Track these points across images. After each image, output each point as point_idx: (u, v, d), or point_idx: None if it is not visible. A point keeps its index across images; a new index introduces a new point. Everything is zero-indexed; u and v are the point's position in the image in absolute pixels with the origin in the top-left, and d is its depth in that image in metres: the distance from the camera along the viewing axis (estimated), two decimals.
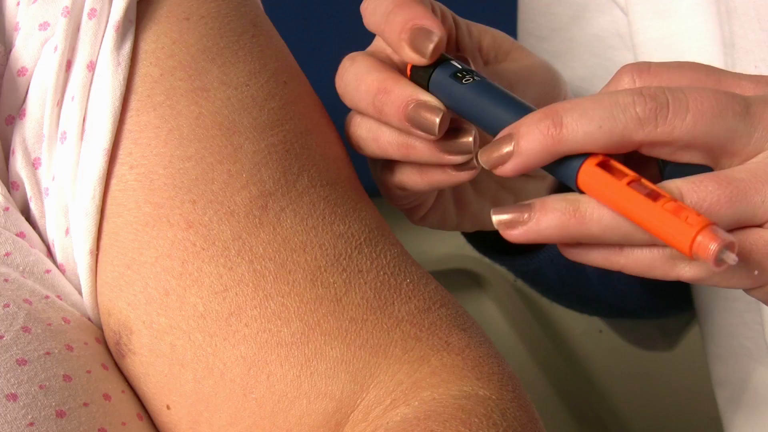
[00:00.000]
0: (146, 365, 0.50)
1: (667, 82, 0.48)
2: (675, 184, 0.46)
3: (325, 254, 0.51)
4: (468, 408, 0.48)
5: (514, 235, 0.47)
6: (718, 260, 0.43)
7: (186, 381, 0.50)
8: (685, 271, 0.47)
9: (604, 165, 0.46)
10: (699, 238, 0.43)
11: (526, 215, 0.47)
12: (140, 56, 0.52)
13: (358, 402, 0.49)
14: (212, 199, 0.50)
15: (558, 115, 0.46)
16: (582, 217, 0.46)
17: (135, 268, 0.50)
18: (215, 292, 0.49)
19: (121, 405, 0.50)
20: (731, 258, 0.43)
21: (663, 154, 0.47)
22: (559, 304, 0.85)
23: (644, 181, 0.45)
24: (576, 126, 0.46)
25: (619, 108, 0.46)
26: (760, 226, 0.46)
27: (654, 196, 0.44)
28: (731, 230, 0.45)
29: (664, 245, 0.46)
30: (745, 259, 0.46)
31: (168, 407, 0.51)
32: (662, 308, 0.81)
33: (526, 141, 0.46)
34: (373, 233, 0.53)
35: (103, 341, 0.52)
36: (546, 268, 0.71)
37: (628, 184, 0.45)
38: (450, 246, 1.20)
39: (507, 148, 0.47)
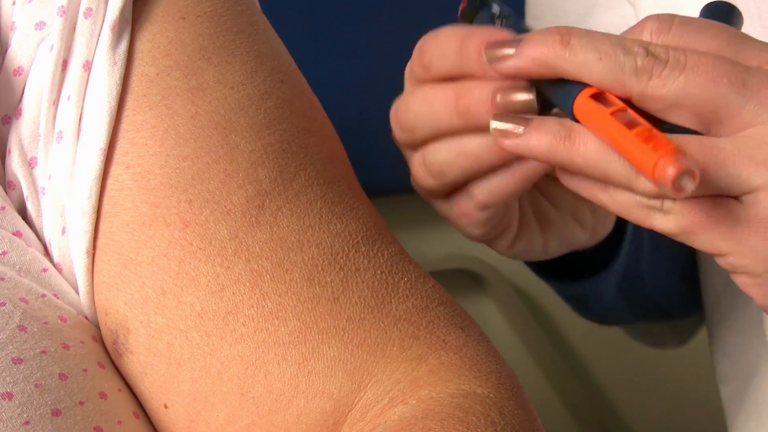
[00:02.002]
0: (143, 364, 0.50)
1: (684, 43, 0.49)
2: None
3: (322, 253, 0.51)
4: (466, 406, 0.48)
5: (506, 144, 0.49)
6: (676, 185, 0.44)
7: (183, 380, 0.50)
8: (658, 222, 0.48)
9: (598, 96, 0.48)
10: (661, 162, 0.44)
11: (521, 129, 0.48)
12: (136, 55, 0.52)
13: (355, 401, 0.49)
14: (209, 199, 0.50)
15: (569, 35, 0.48)
16: (570, 145, 0.48)
17: (132, 267, 0.50)
18: (212, 291, 0.49)
19: (117, 403, 0.50)
20: (690, 185, 0.44)
21: (653, 109, 0.48)
22: (601, 321, 0.84)
23: (630, 111, 0.47)
24: (579, 50, 0.47)
25: (623, 51, 0.47)
26: (735, 197, 0.47)
27: (631, 125, 0.46)
28: (704, 196, 0.47)
29: (642, 192, 0.47)
30: (713, 225, 0.47)
31: (165, 406, 0.51)
32: (697, 303, 0.82)
33: (530, 48, 0.48)
34: (370, 232, 0.53)
35: (99, 340, 0.52)
36: (606, 282, 0.71)
37: (613, 113, 0.46)
38: (450, 246, 1.20)
39: (511, 50, 0.49)
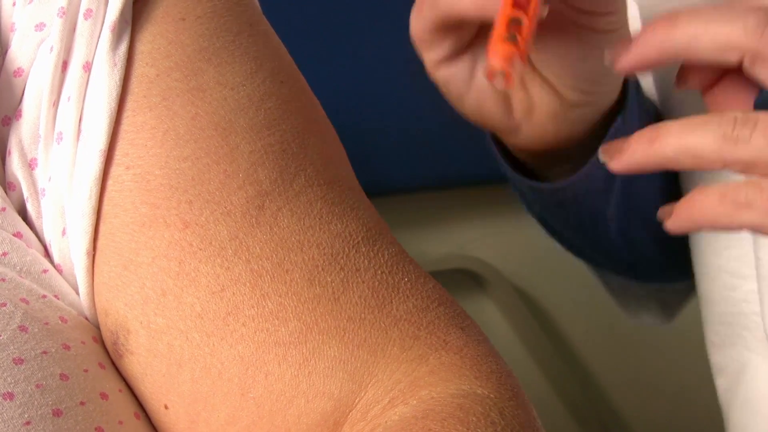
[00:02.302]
0: (144, 365, 0.50)
1: None
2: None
3: (323, 253, 0.51)
4: (466, 407, 0.48)
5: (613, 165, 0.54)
6: (492, 75, 0.51)
7: (184, 381, 0.50)
8: (746, 216, 0.51)
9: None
10: (491, 55, 0.52)
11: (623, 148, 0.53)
12: (136, 57, 0.52)
13: (356, 401, 0.49)
14: (209, 200, 0.50)
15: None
16: (656, 143, 0.53)
17: (132, 268, 0.50)
18: (212, 291, 0.49)
19: (118, 404, 0.50)
20: (499, 81, 0.51)
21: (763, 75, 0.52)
22: (567, 247, 0.86)
23: (525, 18, 0.53)
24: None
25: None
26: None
27: (511, 24, 0.53)
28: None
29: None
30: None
31: (166, 407, 0.51)
32: (669, 271, 0.85)
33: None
34: (370, 232, 0.53)
35: (100, 340, 0.52)
36: (572, 201, 0.74)
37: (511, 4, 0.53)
38: (450, 246, 1.20)
39: None
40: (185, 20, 0.53)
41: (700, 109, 0.76)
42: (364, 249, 0.52)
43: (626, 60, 0.55)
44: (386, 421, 0.48)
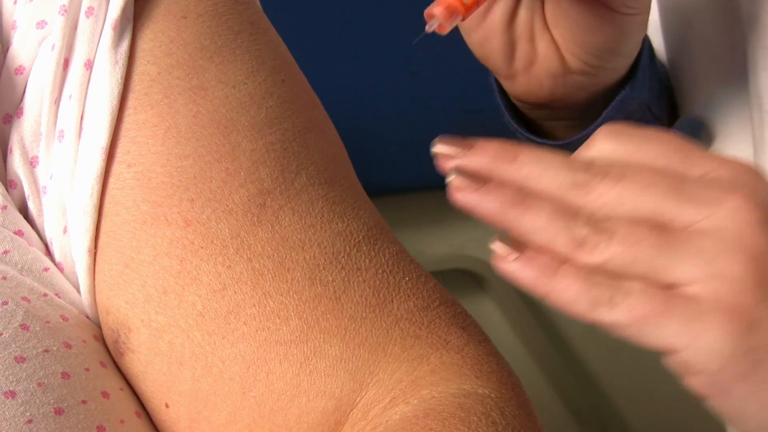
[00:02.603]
0: (145, 364, 0.50)
1: (635, 148, 0.50)
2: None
3: (324, 252, 0.51)
4: (467, 406, 0.48)
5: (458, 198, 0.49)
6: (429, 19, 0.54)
7: (184, 379, 0.50)
8: (605, 313, 0.47)
9: None
10: (435, 4, 0.54)
11: (476, 187, 0.49)
12: (138, 54, 0.52)
13: (357, 400, 0.49)
14: (210, 198, 0.50)
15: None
16: (523, 210, 0.48)
17: (133, 266, 0.50)
18: (214, 290, 0.49)
19: (119, 402, 0.50)
20: (434, 24, 0.54)
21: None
22: None
23: None
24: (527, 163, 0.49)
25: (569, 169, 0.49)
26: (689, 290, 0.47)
27: None
28: (658, 286, 0.47)
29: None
30: (670, 316, 0.46)
31: (167, 405, 0.50)
32: None
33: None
34: (371, 231, 0.53)
35: (101, 339, 0.52)
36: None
37: None
38: (450, 246, 1.20)
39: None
40: (187, 18, 0.53)
41: (710, 73, 0.76)
42: (365, 248, 0.52)
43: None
44: (387, 420, 0.48)
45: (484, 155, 0.49)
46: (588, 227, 0.47)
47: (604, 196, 0.48)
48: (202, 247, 0.50)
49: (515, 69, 0.67)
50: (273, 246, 0.50)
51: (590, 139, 0.51)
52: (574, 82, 0.67)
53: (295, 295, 0.50)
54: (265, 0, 0.59)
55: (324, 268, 0.50)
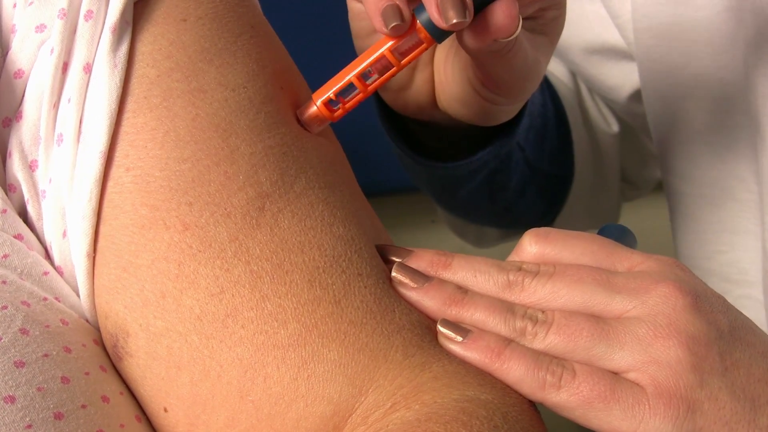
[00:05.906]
0: (143, 368, 0.50)
1: (560, 248, 0.54)
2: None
3: (324, 255, 0.51)
4: (470, 410, 0.47)
5: (408, 295, 0.53)
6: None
7: (183, 383, 0.50)
8: (552, 395, 0.50)
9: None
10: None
11: (418, 284, 0.53)
12: (137, 58, 0.52)
13: (356, 406, 0.49)
14: (209, 201, 0.50)
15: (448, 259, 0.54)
16: (461, 306, 0.53)
17: (131, 270, 0.50)
18: (211, 294, 0.49)
19: (119, 407, 0.50)
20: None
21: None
22: (460, 215, 0.88)
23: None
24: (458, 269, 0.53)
25: (499, 270, 0.53)
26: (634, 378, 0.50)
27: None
28: (604, 371, 0.50)
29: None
30: (615, 400, 0.49)
31: (165, 410, 0.50)
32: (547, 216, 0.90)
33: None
34: (372, 238, 0.53)
35: (101, 343, 0.52)
36: (475, 172, 0.75)
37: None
38: (450, 246, 1.20)
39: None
40: (186, 21, 0.53)
41: (699, 152, 0.78)
42: (367, 255, 0.52)
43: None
44: (387, 425, 0.48)
45: (420, 263, 0.53)
46: (525, 319, 0.51)
47: (538, 293, 0.52)
48: (200, 251, 0.50)
49: (387, 84, 0.67)
50: (271, 248, 0.50)
51: (518, 244, 0.55)
52: (442, 116, 0.67)
53: (294, 298, 0.49)
54: (265, 1, 0.59)
55: (324, 271, 0.50)
